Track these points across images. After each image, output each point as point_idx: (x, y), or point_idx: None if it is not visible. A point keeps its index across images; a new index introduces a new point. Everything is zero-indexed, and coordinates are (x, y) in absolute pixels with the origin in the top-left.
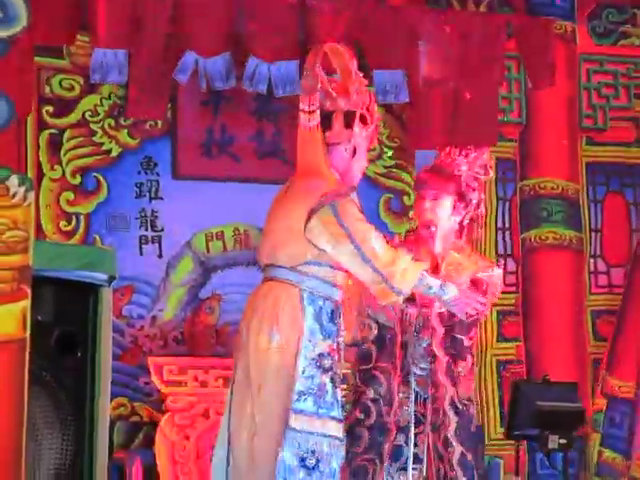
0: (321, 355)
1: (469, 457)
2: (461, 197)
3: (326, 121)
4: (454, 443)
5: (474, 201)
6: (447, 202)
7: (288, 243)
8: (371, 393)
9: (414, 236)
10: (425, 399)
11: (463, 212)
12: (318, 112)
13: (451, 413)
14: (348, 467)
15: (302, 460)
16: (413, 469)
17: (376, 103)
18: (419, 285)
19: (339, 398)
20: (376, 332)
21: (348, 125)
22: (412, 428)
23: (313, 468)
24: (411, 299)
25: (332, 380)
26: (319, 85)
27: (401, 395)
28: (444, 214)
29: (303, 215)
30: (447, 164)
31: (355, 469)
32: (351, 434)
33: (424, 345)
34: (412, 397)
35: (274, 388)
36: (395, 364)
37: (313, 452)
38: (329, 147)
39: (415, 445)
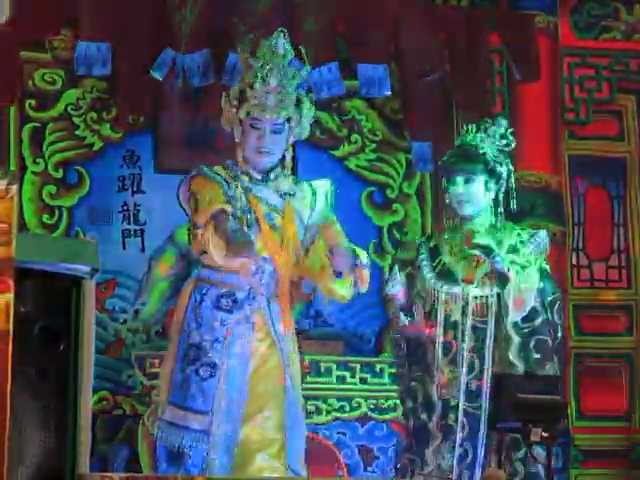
0: (190, 347)
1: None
2: (491, 174)
3: None
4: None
5: (504, 174)
6: (479, 182)
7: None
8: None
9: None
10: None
11: (495, 187)
12: None
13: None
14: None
15: (168, 452)
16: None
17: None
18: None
19: (205, 389)
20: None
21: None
22: (461, 406)
23: (176, 460)
24: (455, 280)
25: (197, 372)
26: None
27: (449, 374)
28: (478, 194)
29: None
30: (469, 144)
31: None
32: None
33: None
34: (462, 375)
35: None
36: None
37: (176, 445)
38: None
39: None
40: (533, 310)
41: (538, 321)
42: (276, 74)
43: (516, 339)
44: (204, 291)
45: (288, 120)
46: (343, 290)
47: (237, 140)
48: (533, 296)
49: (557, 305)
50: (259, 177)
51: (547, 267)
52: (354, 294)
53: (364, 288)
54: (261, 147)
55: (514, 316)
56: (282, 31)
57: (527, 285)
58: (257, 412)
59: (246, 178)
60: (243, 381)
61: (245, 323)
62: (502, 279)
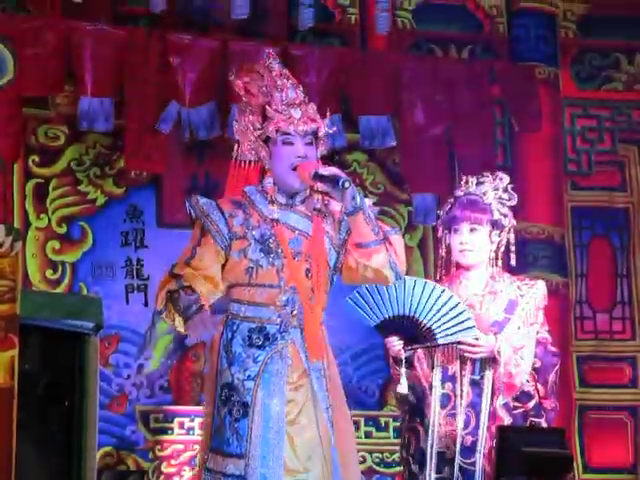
0: (223, 387)
1: None
2: (495, 226)
3: None
4: None
5: (507, 228)
6: (483, 233)
7: None
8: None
9: (450, 269)
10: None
11: (497, 239)
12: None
13: None
14: None
15: None
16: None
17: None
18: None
19: (240, 431)
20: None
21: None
22: (457, 462)
23: None
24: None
25: (230, 412)
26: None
27: (446, 427)
28: (482, 244)
29: None
30: (474, 194)
31: None
32: None
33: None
34: (458, 430)
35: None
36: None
37: None
38: None
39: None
40: (526, 394)
41: (531, 404)
42: (289, 87)
43: (507, 419)
44: (234, 327)
45: (314, 134)
46: (378, 262)
47: (267, 166)
48: (525, 379)
49: (554, 374)
50: (283, 201)
51: (546, 333)
52: (394, 271)
53: (401, 261)
54: (296, 160)
55: (503, 398)
56: (268, 53)
57: (519, 370)
58: (300, 468)
59: (271, 207)
60: (280, 421)
61: (279, 359)
62: (490, 362)
